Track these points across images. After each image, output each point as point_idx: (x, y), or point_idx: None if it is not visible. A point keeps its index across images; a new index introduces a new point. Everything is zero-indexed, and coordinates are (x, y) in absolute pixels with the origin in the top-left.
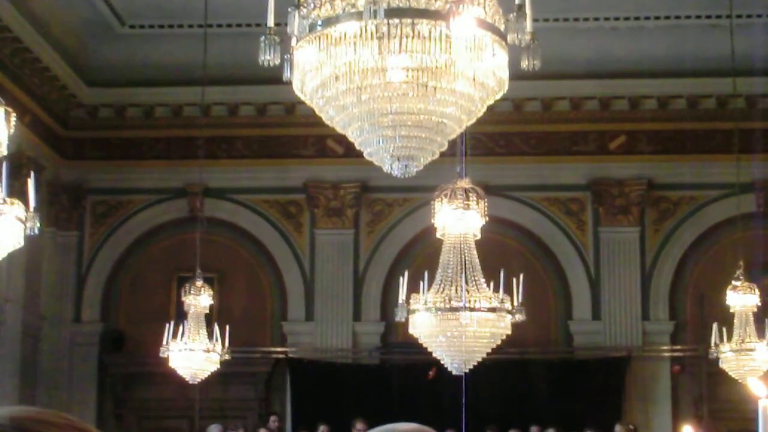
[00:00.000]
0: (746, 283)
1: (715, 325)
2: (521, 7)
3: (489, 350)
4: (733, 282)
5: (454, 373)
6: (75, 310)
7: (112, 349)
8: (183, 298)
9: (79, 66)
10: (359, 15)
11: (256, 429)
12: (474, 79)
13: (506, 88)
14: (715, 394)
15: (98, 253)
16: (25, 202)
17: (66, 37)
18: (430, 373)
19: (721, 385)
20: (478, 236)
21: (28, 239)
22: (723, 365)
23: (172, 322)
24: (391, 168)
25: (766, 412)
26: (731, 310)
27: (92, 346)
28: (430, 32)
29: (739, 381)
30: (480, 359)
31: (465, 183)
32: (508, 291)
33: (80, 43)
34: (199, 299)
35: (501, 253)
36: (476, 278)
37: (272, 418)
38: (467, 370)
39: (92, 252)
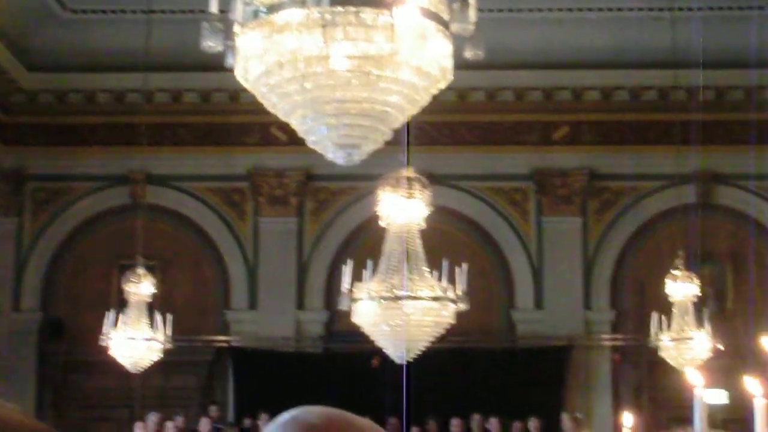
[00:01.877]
0: (685, 273)
1: (654, 315)
2: None
3: (432, 339)
4: (673, 271)
5: (397, 362)
6: (14, 299)
7: (51, 337)
8: (124, 286)
9: (20, 50)
10: (303, 2)
11: (198, 418)
12: (418, 68)
13: (450, 77)
14: (654, 382)
15: (38, 241)
16: None
17: (6, 21)
18: (374, 361)
19: (660, 373)
20: (422, 225)
21: None
22: (662, 354)
23: (113, 311)
24: (335, 156)
25: (701, 402)
26: (671, 300)
27: (31, 335)
28: (374, 21)
29: (679, 370)
30: (423, 348)
31: (409, 172)
32: (452, 280)
33: (21, 27)
34: (141, 287)
35: (444, 243)
36: (420, 267)
37: (213, 407)
38: (410, 359)
39: (32, 239)
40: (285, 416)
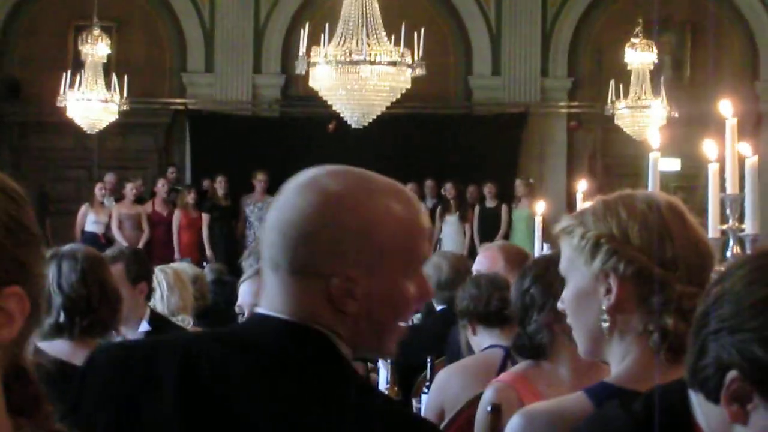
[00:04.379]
0: (644, 41)
1: (612, 82)
2: None
3: (388, 104)
4: (632, 39)
5: (353, 126)
6: None
7: (8, 98)
8: (80, 47)
9: None
10: None
11: (155, 179)
12: None
13: None
14: (609, 150)
15: None
16: None
17: None
18: (330, 126)
19: (615, 141)
20: None
21: None
22: (618, 122)
23: (69, 71)
24: None
25: (656, 165)
26: (629, 68)
27: None
28: None
29: (633, 137)
30: (379, 113)
31: None
32: (409, 45)
33: None
34: (97, 48)
35: (402, 7)
36: (377, 31)
37: (170, 169)
38: (366, 124)
39: None
40: (305, 177)
